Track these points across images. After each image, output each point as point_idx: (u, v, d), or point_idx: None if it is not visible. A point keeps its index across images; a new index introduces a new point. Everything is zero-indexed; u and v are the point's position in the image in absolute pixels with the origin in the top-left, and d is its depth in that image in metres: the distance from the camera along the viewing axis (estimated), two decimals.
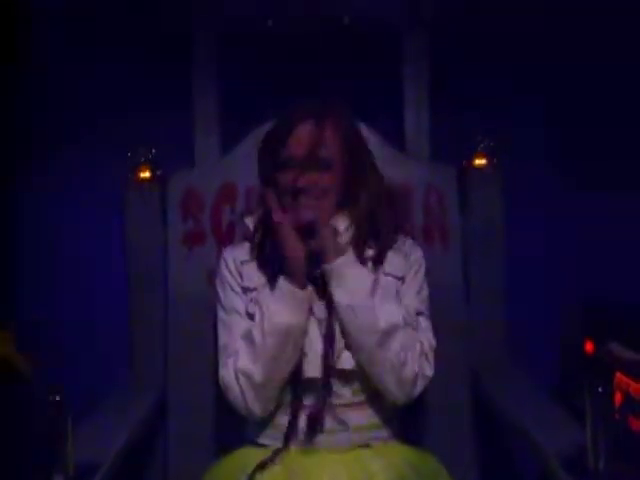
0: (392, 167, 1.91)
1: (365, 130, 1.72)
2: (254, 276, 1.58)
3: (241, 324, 1.56)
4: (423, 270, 1.64)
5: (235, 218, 1.91)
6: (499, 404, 1.72)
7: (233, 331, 1.57)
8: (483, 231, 1.96)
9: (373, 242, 1.59)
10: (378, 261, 1.58)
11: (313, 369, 1.50)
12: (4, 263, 2.23)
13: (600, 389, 1.17)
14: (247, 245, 1.64)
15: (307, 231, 1.52)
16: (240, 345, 1.53)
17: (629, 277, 2.14)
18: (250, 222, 1.62)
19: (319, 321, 1.52)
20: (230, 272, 1.61)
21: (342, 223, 1.55)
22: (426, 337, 1.55)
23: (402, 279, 1.59)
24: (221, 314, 1.61)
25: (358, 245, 1.57)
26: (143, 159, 1.99)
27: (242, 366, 1.50)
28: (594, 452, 1.20)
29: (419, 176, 1.96)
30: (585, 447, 1.21)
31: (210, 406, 1.78)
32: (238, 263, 1.61)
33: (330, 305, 1.51)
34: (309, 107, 1.56)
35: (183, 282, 1.90)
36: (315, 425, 1.49)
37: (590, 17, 2.17)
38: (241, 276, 1.59)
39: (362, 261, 1.55)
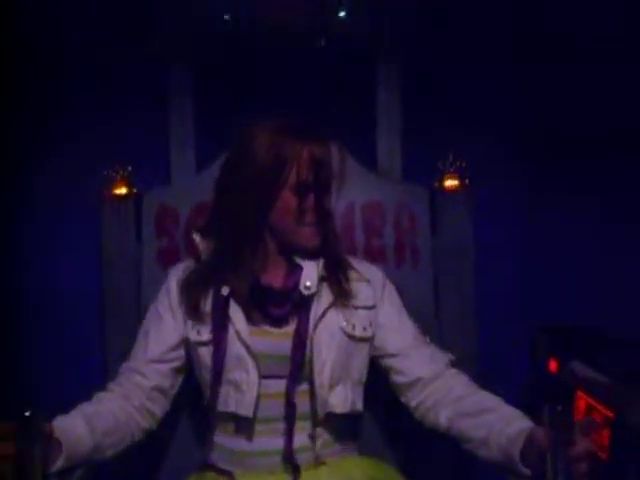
0: (364, 187, 1.96)
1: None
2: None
3: (148, 348, 1.55)
4: (391, 287, 1.64)
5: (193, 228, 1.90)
6: None
7: (136, 349, 1.57)
8: (453, 251, 1.99)
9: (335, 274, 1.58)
10: (346, 295, 1.55)
11: (246, 409, 1.48)
12: None
13: (559, 407, 1.19)
14: (192, 264, 1.60)
15: (309, 255, 1.53)
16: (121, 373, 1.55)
17: (596, 299, 2.18)
18: (199, 239, 1.61)
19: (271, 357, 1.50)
20: (168, 293, 1.59)
21: (311, 259, 1.55)
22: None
23: (373, 307, 1.59)
24: (144, 327, 1.60)
25: (329, 281, 1.55)
26: (119, 176, 2.01)
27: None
28: (553, 470, 1.22)
29: (391, 196, 1.99)
30: (545, 465, 1.23)
31: (172, 425, 1.78)
32: (180, 287, 1.57)
33: (299, 343, 1.49)
34: (308, 127, 1.53)
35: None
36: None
37: (561, 38, 2.21)
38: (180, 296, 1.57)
39: (332, 298, 1.53)
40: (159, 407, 1.55)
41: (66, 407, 1.40)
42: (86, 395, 1.49)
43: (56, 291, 2.22)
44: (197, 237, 1.57)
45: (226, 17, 2.03)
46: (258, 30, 2.05)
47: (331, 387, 1.50)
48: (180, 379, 1.58)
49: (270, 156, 1.47)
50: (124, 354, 1.78)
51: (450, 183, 2.03)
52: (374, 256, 1.93)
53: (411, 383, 1.55)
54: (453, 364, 1.57)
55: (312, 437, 1.51)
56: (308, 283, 1.52)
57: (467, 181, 2.03)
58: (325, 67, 2.15)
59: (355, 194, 1.91)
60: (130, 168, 2.02)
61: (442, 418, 1.48)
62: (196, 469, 1.59)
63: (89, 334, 2.10)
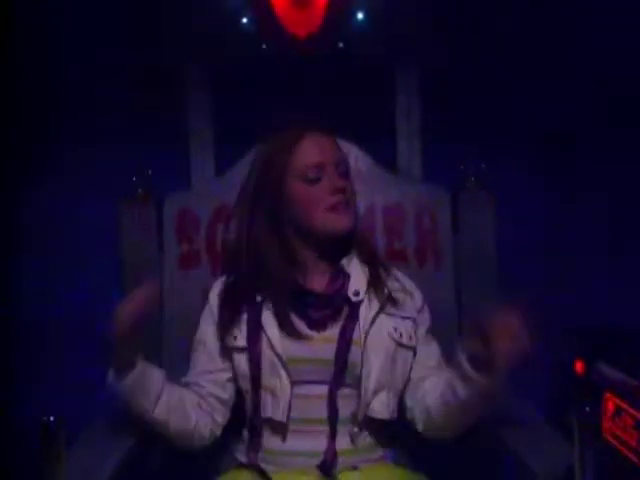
0: (385, 189, 1.95)
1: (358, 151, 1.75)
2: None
3: (199, 360, 1.61)
4: (427, 309, 1.67)
5: (225, 237, 1.92)
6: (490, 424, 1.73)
7: (191, 368, 1.63)
8: (475, 253, 1.97)
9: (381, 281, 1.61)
10: (394, 302, 1.59)
11: (281, 414, 1.50)
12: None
13: (587, 409, 1.18)
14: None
15: (343, 240, 1.56)
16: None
17: (622, 300, 2.16)
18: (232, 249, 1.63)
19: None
20: (210, 309, 1.63)
21: (358, 266, 1.59)
22: None
23: (415, 320, 1.61)
24: (193, 343, 1.65)
25: (377, 287, 1.58)
26: (139, 181, 2.01)
27: None
28: (581, 472, 1.20)
29: (412, 198, 1.97)
30: (573, 467, 1.22)
31: None
32: (220, 297, 1.62)
33: (344, 347, 1.51)
34: (311, 124, 1.59)
35: (178, 303, 1.90)
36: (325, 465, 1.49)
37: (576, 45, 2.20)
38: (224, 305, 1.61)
39: (382, 304, 1.56)
40: (219, 415, 1.59)
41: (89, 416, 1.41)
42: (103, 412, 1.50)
43: (78, 297, 2.22)
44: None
45: (244, 20, 2.03)
46: (275, 32, 2.04)
47: (375, 392, 1.52)
48: (235, 388, 1.60)
49: (273, 151, 1.56)
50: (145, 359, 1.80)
51: (472, 184, 2.01)
52: (396, 259, 1.91)
53: (417, 405, 1.58)
54: None
55: (352, 440, 1.52)
56: (357, 288, 1.55)
57: (488, 182, 2.01)
58: (344, 70, 2.15)
59: (375, 196, 1.90)
60: (150, 172, 2.01)
61: (418, 423, 1.56)
62: (229, 466, 1.62)
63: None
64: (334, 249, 1.59)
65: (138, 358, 1.45)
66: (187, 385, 1.60)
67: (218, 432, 1.61)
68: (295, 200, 1.54)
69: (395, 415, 1.57)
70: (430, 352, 1.62)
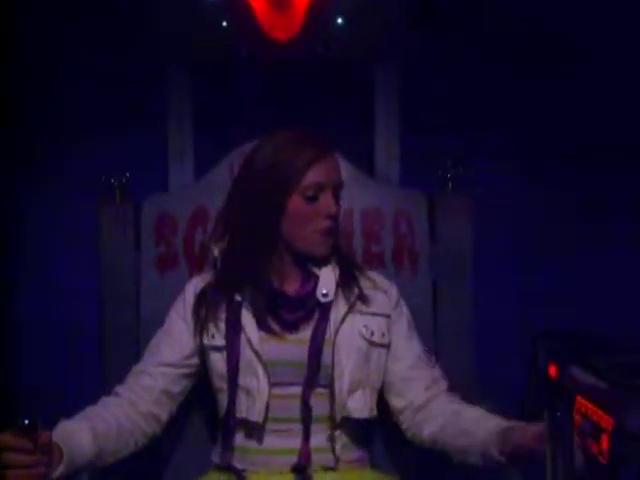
0: (363, 192, 1.96)
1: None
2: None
3: (160, 351, 1.60)
4: (404, 305, 1.69)
5: (205, 241, 1.92)
6: None
7: (147, 354, 1.62)
8: (452, 258, 1.98)
9: (353, 281, 1.63)
10: (365, 301, 1.60)
11: (257, 415, 1.51)
12: None
13: (559, 413, 1.20)
14: (212, 274, 1.66)
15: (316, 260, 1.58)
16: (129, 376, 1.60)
17: (595, 304, 2.18)
18: (216, 249, 1.63)
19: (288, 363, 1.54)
20: (184, 302, 1.64)
21: (328, 267, 1.60)
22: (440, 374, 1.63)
23: (389, 316, 1.63)
24: (157, 333, 1.65)
25: (346, 287, 1.60)
26: (117, 183, 2.01)
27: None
28: (552, 476, 1.22)
29: (389, 201, 1.98)
30: (544, 471, 1.23)
31: (179, 426, 1.78)
32: (196, 296, 1.63)
33: (316, 349, 1.52)
34: (314, 136, 1.59)
35: (155, 305, 1.89)
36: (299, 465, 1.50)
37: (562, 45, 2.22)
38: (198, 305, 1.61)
39: (351, 303, 1.58)
40: (165, 412, 1.58)
41: (62, 416, 1.41)
42: (81, 405, 1.49)
43: (53, 300, 2.21)
44: (214, 247, 1.62)
45: (223, 23, 2.03)
46: (255, 40, 2.05)
47: (350, 392, 1.53)
48: (189, 385, 1.63)
49: (280, 164, 1.52)
50: (122, 363, 1.81)
51: (449, 189, 2.02)
52: (373, 262, 1.93)
53: (404, 407, 1.59)
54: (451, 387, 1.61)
55: (331, 440, 1.53)
56: (325, 291, 1.56)
57: (466, 187, 2.03)
58: (323, 74, 2.16)
59: (354, 200, 1.91)
60: (128, 175, 2.01)
61: (425, 434, 1.53)
62: (204, 469, 1.61)
63: (87, 342, 2.10)
64: (312, 259, 1.61)
65: (56, 457, 1.29)
66: (139, 373, 1.58)
67: (160, 431, 1.60)
68: (289, 213, 1.54)
69: (374, 413, 1.58)
70: (410, 348, 1.63)
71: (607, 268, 2.26)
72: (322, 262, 1.60)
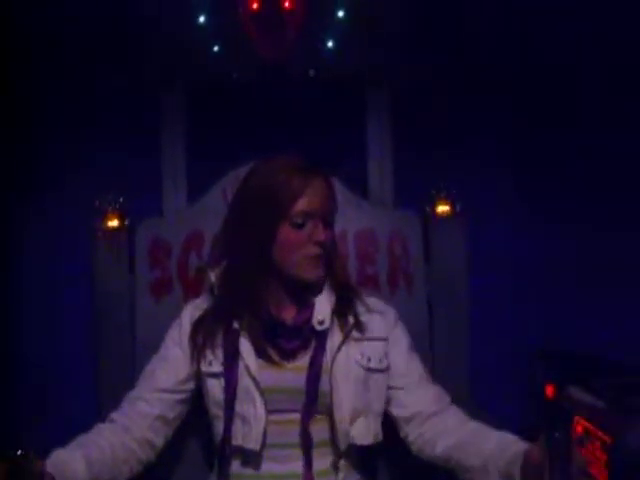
0: (356, 214, 1.96)
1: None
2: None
3: (156, 377, 1.59)
4: (402, 325, 1.67)
5: (201, 265, 1.92)
6: None
7: (142, 380, 1.61)
8: (447, 277, 1.98)
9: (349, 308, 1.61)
10: (360, 327, 1.59)
11: (253, 443, 1.50)
12: None
13: (557, 434, 1.19)
14: (209, 299, 1.65)
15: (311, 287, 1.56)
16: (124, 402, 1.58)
17: (593, 324, 2.18)
18: (212, 275, 1.63)
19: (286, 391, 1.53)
20: (180, 328, 1.63)
21: (324, 295, 1.58)
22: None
23: (386, 339, 1.61)
24: (153, 359, 1.64)
25: (342, 315, 1.58)
26: (111, 207, 2.01)
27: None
28: None
29: (383, 223, 1.98)
30: None
31: (174, 452, 1.77)
32: (193, 322, 1.62)
33: (314, 377, 1.51)
34: (302, 161, 1.56)
35: (151, 330, 1.88)
36: None
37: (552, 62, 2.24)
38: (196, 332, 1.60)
39: (346, 331, 1.57)
40: (160, 438, 1.57)
41: (56, 444, 1.39)
42: (76, 433, 1.48)
43: (48, 323, 2.20)
44: (211, 273, 1.61)
45: (215, 49, 2.04)
46: (247, 62, 2.06)
47: (352, 420, 1.53)
48: (185, 410, 1.62)
49: (268, 190, 1.51)
50: (117, 388, 1.80)
51: (442, 209, 2.02)
52: (368, 284, 1.92)
53: (410, 417, 1.57)
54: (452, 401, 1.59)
55: (335, 467, 1.53)
56: (321, 318, 1.55)
57: (459, 207, 2.03)
58: (315, 96, 2.17)
59: (348, 222, 1.91)
60: (122, 199, 2.01)
61: (439, 450, 1.50)
62: None
63: (81, 366, 2.09)
64: (307, 286, 1.59)
65: None
66: (134, 399, 1.57)
67: (154, 458, 1.59)
68: (279, 240, 1.53)
69: (380, 438, 1.57)
70: (412, 367, 1.62)
71: (604, 287, 2.25)
72: (318, 289, 1.59)
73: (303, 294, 1.58)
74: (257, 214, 1.53)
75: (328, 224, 1.56)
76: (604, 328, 2.17)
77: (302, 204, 1.51)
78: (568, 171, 2.31)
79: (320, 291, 1.59)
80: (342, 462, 1.54)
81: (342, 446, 1.52)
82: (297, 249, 1.52)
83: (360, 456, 1.59)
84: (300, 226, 1.52)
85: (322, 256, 1.54)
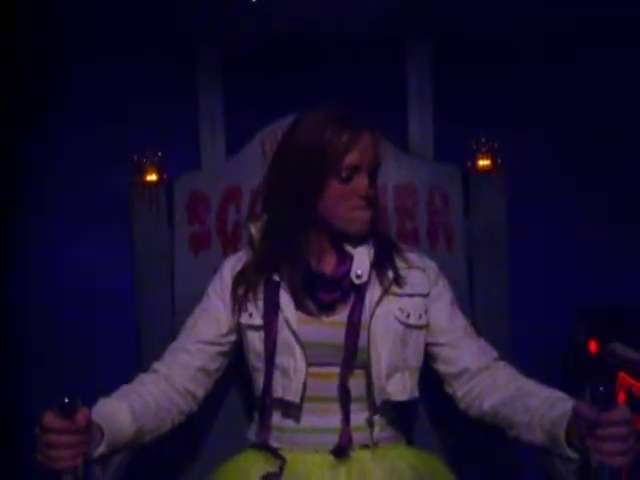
0: (396, 168, 1.94)
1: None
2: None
3: (198, 328, 1.60)
4: (444, 279, 1.67)
5: (240, 218, 1.93)
6: None
7: (184, 332, 1.62)
8: (487, 232, 1.96)
9: (388, 262, 1.60)
10: (400, 283, 1.58)
11: (293, 395, 1.51)
12: (6, 268, 2.25)
13: (601, 388, 1.17)
14: (249, 253, 1.66)
15: (353, 240, 1.56)
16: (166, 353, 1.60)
17: (635, 279, 2.14)
18: (253, 229, 1.63)
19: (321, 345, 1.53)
20: (221, 281, 1.64)
21: (363, 247, 1.58)
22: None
23: (427, 295, 1.61)
24: (195, 311, 1.65)
25: (381, 269, 1.58)
26: (149, 162, 2.01)
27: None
28: (595, 449, 1.20)
29: (423, 177, 1.96)
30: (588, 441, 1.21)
31: (216, 406, 1.79)
32: (235, 275, 1.62)
33: (353, 331, 1.51)
34: (350, 114, 1.54)
35: (190, 284, 1.89)
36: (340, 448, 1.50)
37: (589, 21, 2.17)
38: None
39: (386, 286, 1.56)
40: (202, 389, 1.59)
41: (97, 396, 1.41)
42: (117, 385, 1.49)
43: (87, 279, 2.22)
44: (252, 226, 1.62)
45: (253, 0, 2.02)
46: (287, 14, 2.03)
47: (388, 376, 1.52)
48: (226, 363, 1.63)
49: (317, 144, 1.49)
50: (157, 341, 1.82)
51: (483, 163, 2.00)
52: (407, 238, 1.91)
53: (458, 373, 1.57)
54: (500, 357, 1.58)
55: (370, 422, 1.53)
56: (359, 271, 1.55)
57: (500, 161, 2.00)
58: (355, 49, 2.13)
59: (387, 175, 1.89)
60: (160, 154, 2.01)
61: (486, 406, 1.49)
62: (241, 447, 1.63)
63: (122, 322, 2.11)
64: (349, 239, 1.59)
65: (96, 437, 1.29)
66: (176, 350, 1.59)
67: (197, 408, 1.61)
68: (326, 193, 1.52)
69: (416, 394, 1.57)
70: (455, 321, 1.61)
71: None
72: (358, 242, 1.58)
73: (344, 247, 1.58)
74: (304, 167, 1.51)
75: (373, 178, 1.55)
76: None
77: (351, 158, 1.50)
78: (612, 129, 2.25)
79: (360, 244, 1.58)
80: (377, 417, 1.54)
81: (378, 401, 1.52)
82: (344, 202, 1.52)
83: (395, 413, 1.59)
84: (348, 180, 1.51)
85: (367, 209, 1.53)
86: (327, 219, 1.54)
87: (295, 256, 1.55)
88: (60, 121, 2.23)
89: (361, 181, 1.51)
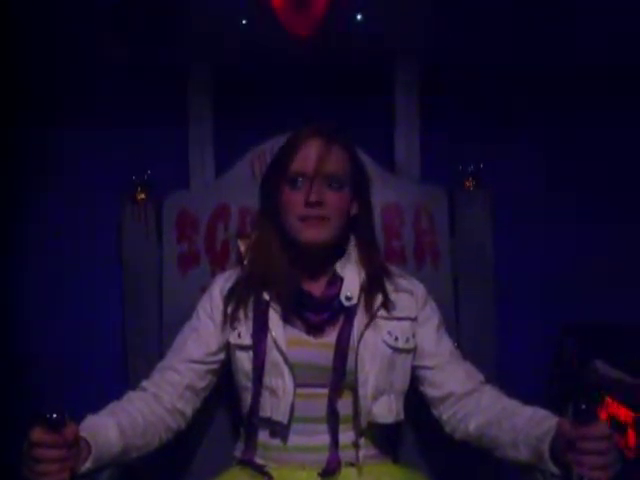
0: (383, 188, 1.96)
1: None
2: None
3: (186, 347, 1.60)
4: (432, 302, 1.67)
5: (228, 236, 1.94)
6: None
7: (172, 350, 1.62)
8: (472, 252, 1.98)
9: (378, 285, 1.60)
10: (388, 306, 1.58)
11: (282, 415, 1.51)
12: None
13: (583, 406, 1.19)
14: (238, 271, 1.67)
15: (307, 253, 1.56)
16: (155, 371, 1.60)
17: (618, 297, 2.16)
18: (242, 246, 1.65)
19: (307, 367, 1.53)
20: (211, 300, 1.64)
21: (353, 270, 1.59)
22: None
23: (415, 319, 1.61)
24: (184, 329, 1.65)
25: (371, 292, 1.58)
26: (139, 181, 2.02)
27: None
28: (577, 466, 1.21)
29: (410, 197, 1.99)
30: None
31: (203, 423, 1.79)
32: (224, 294, 1.63)
33: (341, 354, 1.51)
34: (319, 127, 1.58)
35: (178, 302, 1.90)
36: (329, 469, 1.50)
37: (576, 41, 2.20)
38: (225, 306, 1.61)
39: (373, 311, 1.56)
40: (190, 407, 1.59)
41: (84, 412, 1.41)
42: (105, 402, 1.50)
43: (77, 297, 2.22)
44: (241, 243, 1.66)
45: (243, 21, 2.04)
46: (275, 34, 2.05)
47: (374, 398, 1.53)
48: (214, 381, 1.63)
49: (275, 155, 1.60)
50: (146, 359, 1.82)
51: (468, 184, 2.02)
52: (394, 258, 1.93)
53: (444, 397, 1.57)
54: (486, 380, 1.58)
55: (355, 444, 1.54)
56: (349, 294, 1.55)
57: (485, 181, 2.03)
58: (343, 70, 2.15)
59: (375, 196, 1.90)
60: (149, 172, 2.03)
61: (471, 428, 1.50)
62: (227, 464, 1.63)
63: (110, 337, 2.11)
64: (320, 254, 1.59)
65: (83, 452, 1.29)
66: (164, 368, 1.59)
67: (185, 426, 1.61)
68: (280, 202, 1.56)
69: (401, 417, 1.57)
70: (442, 345, 1.62)
71: (631, 260, 2.23)
72: (347, 264, 1.59)
73: (334, 269, 1.59)
74: (266, 178, 1.61)
75: (332, 187, 1.55)
76: (635, 300, 2.15)
77: (295, 164, 1.53)
78: (597, 153, 2.27)
79: (350, 266, 1.59)
80: (363, 438, 1.55)
81: (363, 423, 1.53)
82: (292, 210, 1.53)
83: (381, 435, 1.60)
84: (295, 187, 1.53)
85: (316, 217, 1.53)
86: (285, 231, 1.56)
87: (280, 273, 1.56)
88: (52, 140, 2.23)
89: (307, 188, 1.52)
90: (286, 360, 1.51)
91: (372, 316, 1.56)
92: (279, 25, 2.01)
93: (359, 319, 1.55)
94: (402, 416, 1.58)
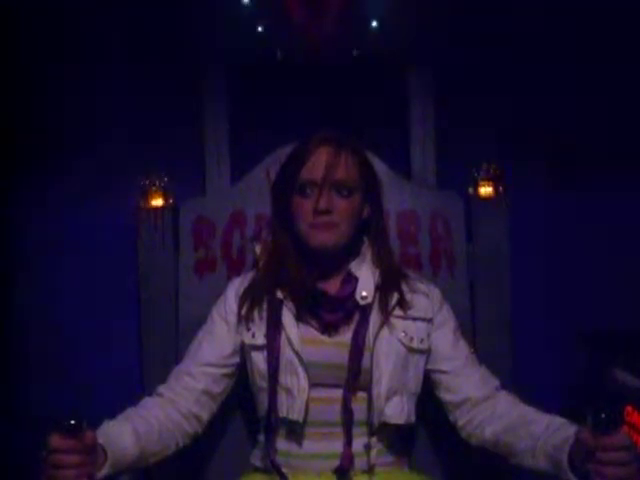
0: (399, 195, 1.96)
1: (372, 158, 1.75)
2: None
3: (202, 351, 1.61)
4: (448, 306, 1.68)
5: (244, 242, 1.95)
6: None
7: (188, 355, 1.64)
8: (488, 258, 1.98)
9: (393, 285, 1.61)
10: (404, 306, 1.59)
11: (297, 414, 1.51)
12: (9, 290, 2.26)
13: (603, 415, 1.18)
14: (253, 273, 1.68)
15: (319, 256, 1.56)
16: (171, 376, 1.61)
17: (636, 303, 2.15)
18: (258, 248, 1.66)
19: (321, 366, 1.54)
20: (225, 303, 1.66)
21: (368, 270, 1.59)
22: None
23: (431, 320, 1.62)
24: (199, 333, 1.67)
25: (386, 291, 1.59)
26: (155, 187, 2.03)
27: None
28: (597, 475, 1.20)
29: (425, 204, 1.99)
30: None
31: (219, 429, 1.80)
32: (239, 296, 1.64)
33: (357, 353, 1.52)
34: (328, 134, 1.58)
35: (194, 309, 1.90)
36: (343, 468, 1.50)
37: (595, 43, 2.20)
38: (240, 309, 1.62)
39: (388, 310, 1.57)
40: (206, 412, 1.60)
41: (101, 418, 1.42)
42: (122, 407, 1.50)
43: (94, 303, 2.23)
44: (256, 246, 1.67)
45: (259, 29, 2.05)
46: (292, 43, 2.06)
47: (387, 398, 1.52)
48: (230, 385, 1.64)
49: (284, 163, 1.60)
50: (162, 365, 1.83)
51: (484, 190, 2.02)
52: (410, 264, 1.92)
53: (459, 402, 1.57)
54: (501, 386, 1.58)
55: (367, 446, 1.53)
56: (364, 293, 1.56)
57: (501, 188, 2.03)
58: (359, 76, 2.16)
59: (390, 202, 1.91)
60: (166, 179, 2.04)
61: (487, 434, 1.49)
62: (243, 471, 1.63)
63: (126, 344, 2.12)
64: (333, 256, 1.60)
65: (100, 458, 1.30)
66: (180, 373, 1.60)
67: (201, 431, 1.61)
68: (290, 209, 1.57)
69: (412, 419, 1.57)
70: (458, 349, 1.62)
71: None
72: (362, 264, 1.60)
73: (347, 268, 1.59)
74: (276, 186, 1.63)
75: (341, 194, 1.55)
76: None
77: (304, 172, 1.54)
78: (615, 156, 2.26)
79: (365, 266, 1.60)
80: (374, 441, 1.55)
81: (375, 423, 1.52)
82: (302, 217, 1.55)
83: (394, 438, 1.60)
84: (304, 195, 1.54)
85: (326, 224, 1.54)
86: (299, 237, 1.57)
87: (295, 272, 1.56)
88: (63, 146, 2.24)
89: (317, 196, 1.53)
90: (300, 359, 1.52)
91: (387, 315, 1.56)
92: (294, 31, 2.02)
93: (374, 318, 1.55)
94: (413, 419, 1.58)
